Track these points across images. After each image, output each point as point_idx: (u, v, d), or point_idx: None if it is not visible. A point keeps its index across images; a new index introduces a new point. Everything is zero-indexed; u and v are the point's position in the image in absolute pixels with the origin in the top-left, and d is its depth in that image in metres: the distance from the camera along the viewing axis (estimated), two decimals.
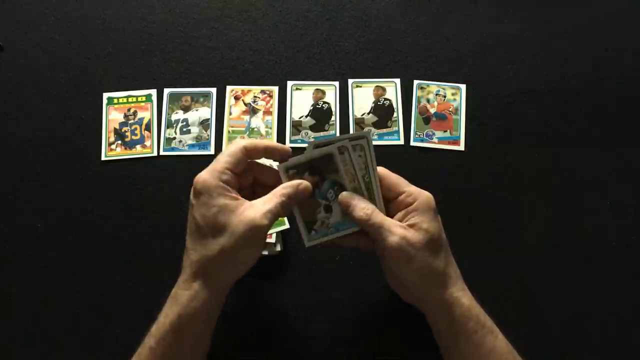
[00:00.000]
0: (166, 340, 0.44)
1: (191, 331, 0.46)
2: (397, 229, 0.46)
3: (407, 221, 0.47)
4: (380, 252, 0.49)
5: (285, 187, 0.46)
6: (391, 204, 0.49)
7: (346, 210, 0.47)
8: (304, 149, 0.47)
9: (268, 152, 0.48)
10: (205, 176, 0.45)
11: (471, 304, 0.47)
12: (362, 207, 0.47)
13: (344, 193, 0.47)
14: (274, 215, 0.45)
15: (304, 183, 0.47)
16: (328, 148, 0.47)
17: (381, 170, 0.49)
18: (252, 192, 0.50)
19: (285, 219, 0.59)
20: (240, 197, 0.46)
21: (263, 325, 0.58)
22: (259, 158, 0.48)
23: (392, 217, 0.48)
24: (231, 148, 0.47)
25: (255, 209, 0.44)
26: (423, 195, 0.48)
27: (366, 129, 0.65)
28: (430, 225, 0.46)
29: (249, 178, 0.49)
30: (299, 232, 0.49)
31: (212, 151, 0.64)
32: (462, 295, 0.47)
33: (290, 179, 0.47)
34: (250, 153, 0.47)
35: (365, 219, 0.46)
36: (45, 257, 0.60)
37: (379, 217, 0.46)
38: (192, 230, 0.46)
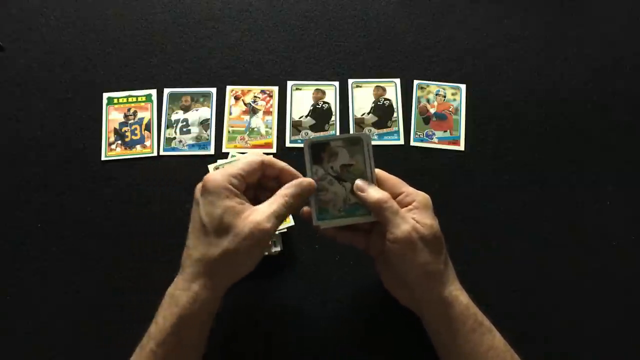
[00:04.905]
0: (168, 343, 0.44)
1: (191, 333, 0.46)
2: (409, 219, 0.46)
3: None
4: (378, 251, 0.50)
5: (288, 187, 0.47)
6: None
7: (360, 195, 0.47)
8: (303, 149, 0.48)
9: (282, 173, 0.48)
10: (216, 176, 0.45)
11: (469, 302, 0.48)
12: (378, 192, 0.47)
13: (359, 180, 0.48)
14: (279, 218, 0.45)
15: (306, 180, 0.47)
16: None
17: (380, 172, 0.49)
18: (255, 196, 0.50)
19: (290, 215, 0.58)
20: (246, 202, 0.46)
21: (263, 326, 0.57)
22: (272, 175, 0.49)
23: None
24: (250, 158, 0.47)
25: (260, 212, 0.45)
26: (421, 195, 0.48)
27: (366, 129, 0.65)
28: (434, 222, 0.47)
29: (254, 182, 0.49)
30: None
31: (212, 151, 0.64)
32: (460, 294, 0.48)
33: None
34: (266, 169, 0.48)
35: (383, 201, 0.46)
36: (45, 257, 0.60)
37: (395, 203, 0.47)
38: (195, 227, 0.46)
